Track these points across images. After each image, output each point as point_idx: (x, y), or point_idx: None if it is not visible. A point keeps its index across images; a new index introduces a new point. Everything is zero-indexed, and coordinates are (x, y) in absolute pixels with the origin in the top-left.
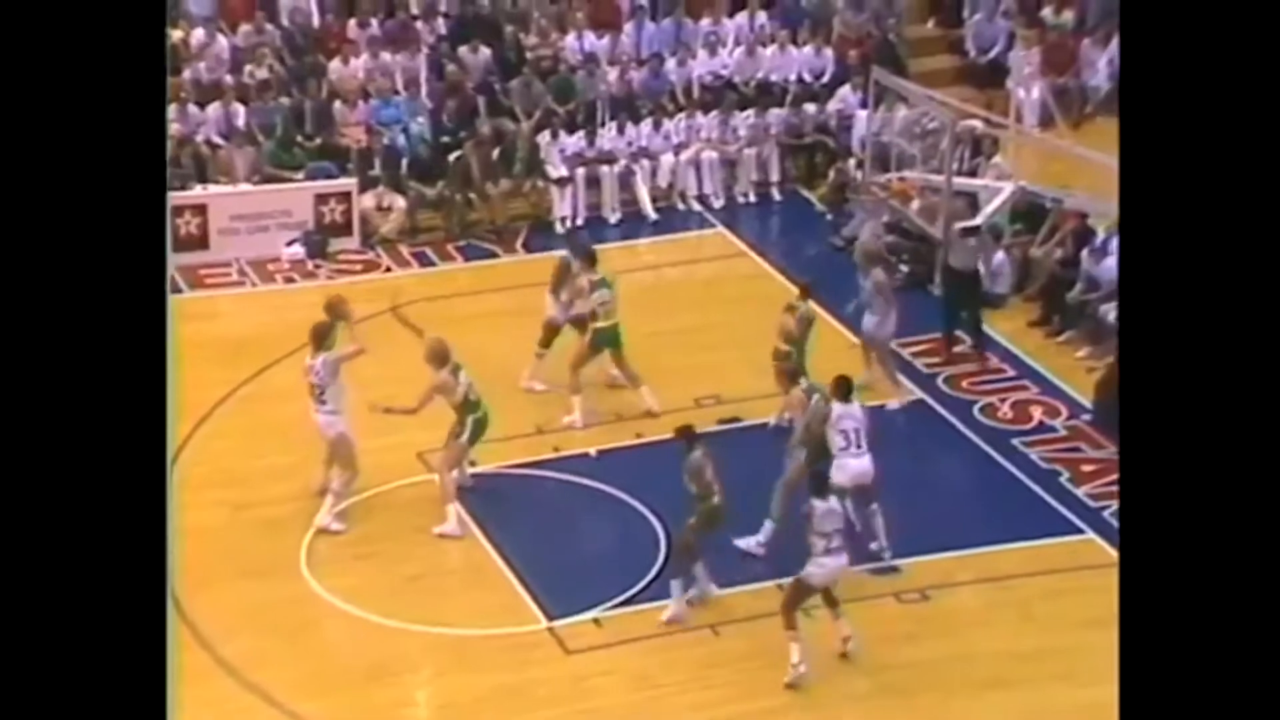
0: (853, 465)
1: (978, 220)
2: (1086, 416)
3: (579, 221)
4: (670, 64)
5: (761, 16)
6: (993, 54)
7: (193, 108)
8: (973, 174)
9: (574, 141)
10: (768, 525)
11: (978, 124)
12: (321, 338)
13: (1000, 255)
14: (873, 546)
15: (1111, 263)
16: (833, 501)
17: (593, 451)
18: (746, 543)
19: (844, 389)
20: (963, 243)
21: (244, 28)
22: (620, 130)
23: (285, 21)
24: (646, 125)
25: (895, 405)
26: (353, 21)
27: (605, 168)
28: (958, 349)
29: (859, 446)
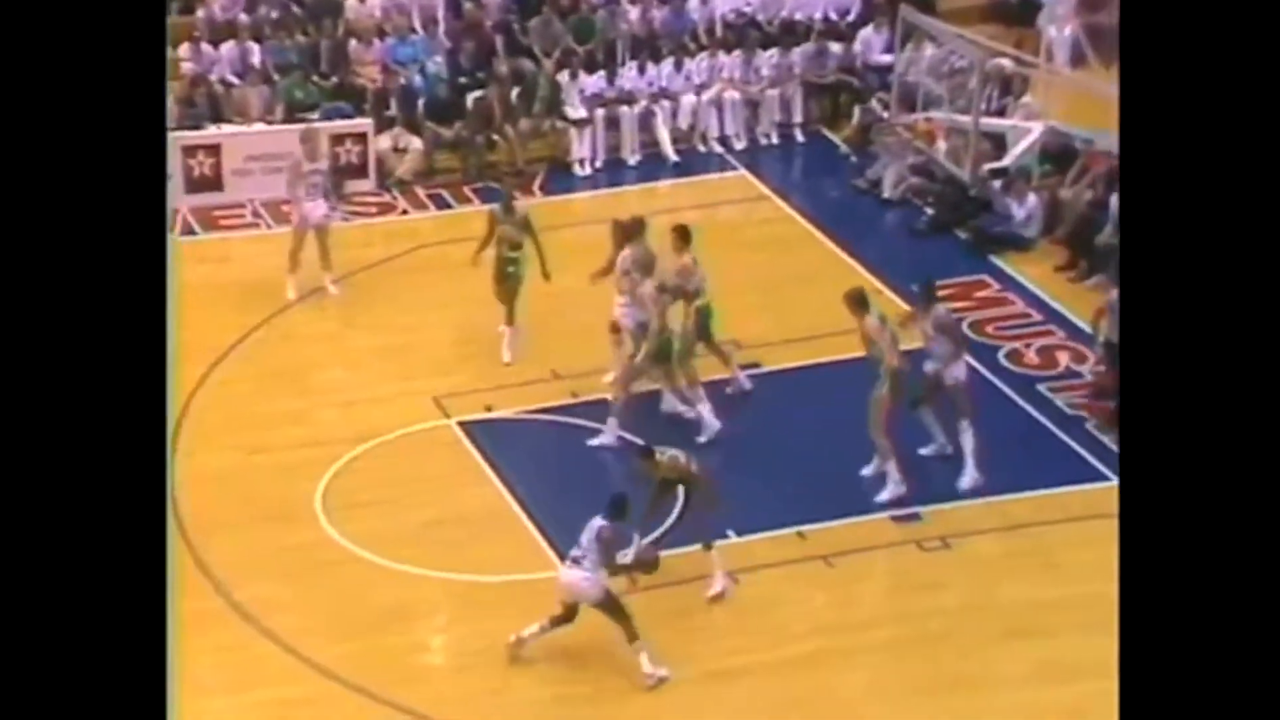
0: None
1: (1006, 161)
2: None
3: (598, 164)
4: (692, 2)
5: None
6: None
7: (206, 46)
8: (1001, 114)
9: (593, 82)
10: (876, 461)
11: (1007, 63)
12: (630, 234)
13: (1032, 198)
14: (965, 482)
15: None
16: (603, 524)
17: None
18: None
19: (930, 292)
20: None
21: None
22: (641, 70)
23: None
24: (667, 65)
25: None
26: None
27: (625, 108)
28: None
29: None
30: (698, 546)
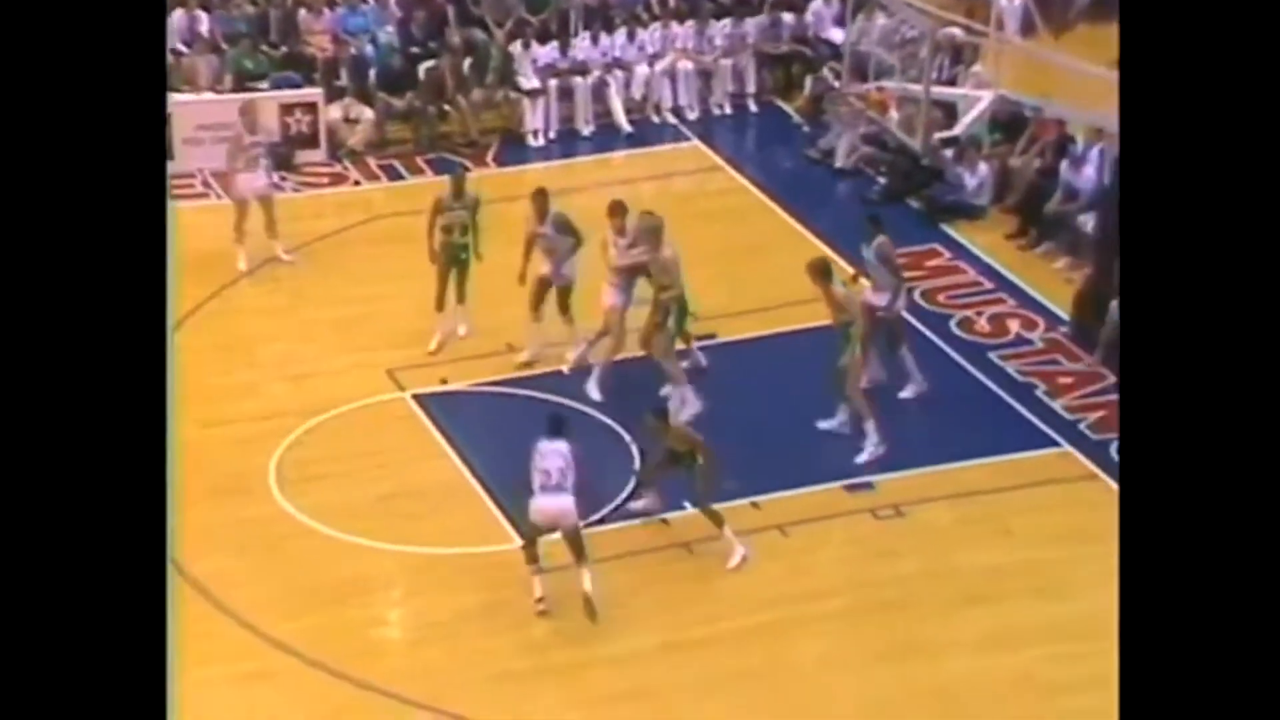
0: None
1: (956, 130)
2: (1064, 329)
3: (551, 135)
4: None
5: None
6: None
7: None
8: (952, 83)
9: (546, 52)
10: (843, 411)
11: (958, 31)
12: (614, 214)
13: (982, 166)
14: (908, 392)
15: (1090, 172)
16: (560, 444)
17: (565, 369)
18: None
19: (875, 223)
20: None
21: None
22: (594, 40)
23: None
24: (621, 35)
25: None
26: None
27: (578, 79)
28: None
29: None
30: (657, 519)
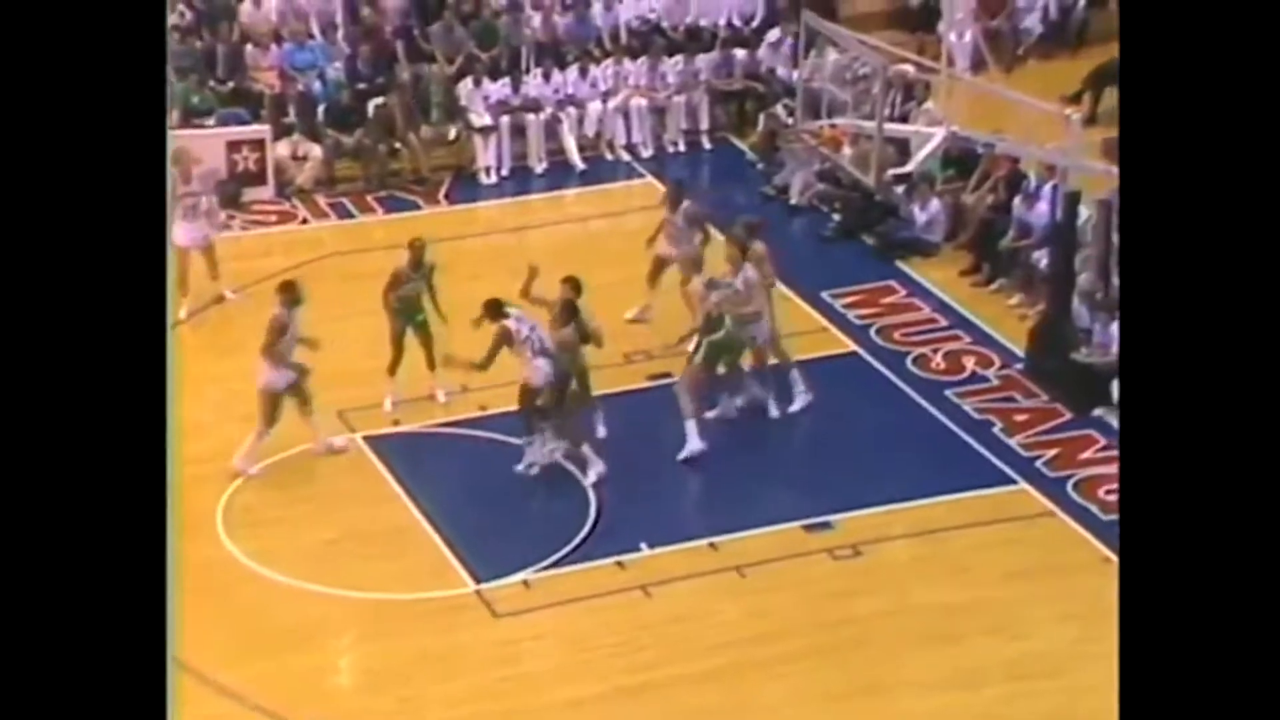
0: None
1: (909, 167)
2: (1019, 366)
3: (504, 172)
4: (597, 8)
5: None
6: None
7: None
8: (904, 120)
9: (498, 89)
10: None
11: (909, 69)
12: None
13: (935, 203)
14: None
15: (1043, 208)
16: (514, 312)
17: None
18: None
19: (679, 191)
20: None
21: None
22: (546, 77)
23: None
24: (573, 72)
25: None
26: None
27: (531, 116)
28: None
29: None
30: (609, 561)
